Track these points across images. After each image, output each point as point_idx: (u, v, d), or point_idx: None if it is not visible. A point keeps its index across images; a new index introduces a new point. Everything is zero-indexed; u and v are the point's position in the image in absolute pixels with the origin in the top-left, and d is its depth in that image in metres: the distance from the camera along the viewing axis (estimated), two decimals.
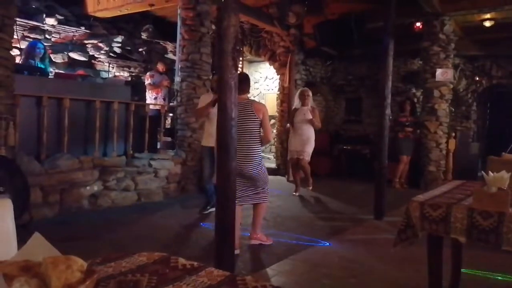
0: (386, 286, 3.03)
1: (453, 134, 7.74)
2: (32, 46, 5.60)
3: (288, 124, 6.70)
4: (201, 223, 4.62)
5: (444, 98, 7.29)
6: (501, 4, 6.36)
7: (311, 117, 6.23)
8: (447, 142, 7.37)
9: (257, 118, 3.63)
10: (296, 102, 6.55)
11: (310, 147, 6.33)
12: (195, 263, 1.19)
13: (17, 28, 5.87)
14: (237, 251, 3.49)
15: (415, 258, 3.19)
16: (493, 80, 9.16)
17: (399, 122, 7.41)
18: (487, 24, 7.13)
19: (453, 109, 8.71)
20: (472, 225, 2.05)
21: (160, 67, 7.58)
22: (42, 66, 5.45)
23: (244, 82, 3.71)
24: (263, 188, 3.79)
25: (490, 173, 2.14)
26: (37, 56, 5.45)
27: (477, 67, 9.28)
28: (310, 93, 6.44)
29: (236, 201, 3.60)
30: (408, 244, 2.32)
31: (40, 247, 0.99)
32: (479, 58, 9.16)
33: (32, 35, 7.10)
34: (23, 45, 6.82)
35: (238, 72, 3.85)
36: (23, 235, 1.01)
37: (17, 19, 5.53)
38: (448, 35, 7.17)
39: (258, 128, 3.67)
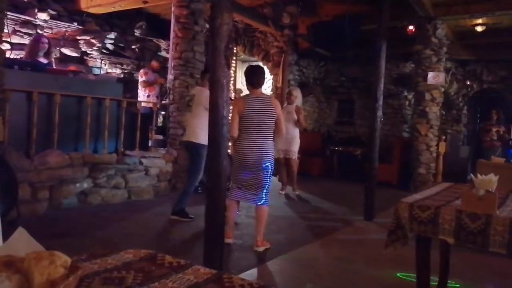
0: (375, 287, 3.05)
1: (444, 137, 7.80)
2: (37, 40, 5.51)
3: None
4: None
5: (435, 101, 7.34)
6: (493, 10, 6.42)
7: (295, 115, 6.31)
8: (437, 145, 7.43)
9: (276, 115, 3.69)
10: (285, 102, 6.67)
11: (296, 146, 6.42)
12: (182, 261, 1.18)
13: (8, 22, 5.80)
14: (230, 241, 3.63)
15: (403, 259, 3.21)
16: (484, 84, 9.25)
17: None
18: (479, 29, 7.20)
19: (444, 113, 8.78)
20: (460, 227, 2.06)
21: (155, 64, 7.53)
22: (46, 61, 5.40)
23: (261, 75, 3.76)
24: (265, 188, 3.70)
25: (479, 175, 2.16)
26: (42, 50, 5.38)
27: (468, 71, 9.37)
28: (296, 93, 6.49)
29: (235, 198, 3.65)
30: (399, 245, 2.33)
31: (23, 242, 0.97)
32: (470, 63, 9.26)
33: (23, 30, 7.00)
34: (14, 39, 6.75)
35: (255, 65, 3.92)
36: (11, 232, 0.99)
37: (8, 13, 5.45)
38: (440, 39, 7.22)
39: (274, 123, 3.70)
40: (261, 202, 3.69)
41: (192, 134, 4.55)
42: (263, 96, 3.76)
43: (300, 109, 6.44)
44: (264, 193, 3.69)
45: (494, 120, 7.52)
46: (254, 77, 3.71)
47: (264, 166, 3.63)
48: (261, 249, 3.67)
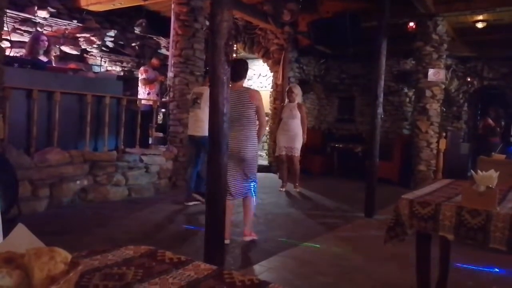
0: (375, 283, 3.05)
1: (444, 134, 7.80)
2: (36, 38, 5.50)
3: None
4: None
5: (436, 98, 7.33)
6: (494, 6, 6.40)
7: (297, 113, 6.35)
8: (437, 142, 7.42)
9: (253, 105, 3.67)
10: (286, 100, 6.69)
11: (299, 143, 6.43)
12: (182, 257, 1.18)
13: (8, 20, 5.80)
14: (227, 241, 3.57)
15: (403, 256, 3.21)
16: (485, 81, 9.24)
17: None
18: (480, 25, 7.18)
19: (444, 109, 8.77)
20: (461, 223, 2.06)
21: (155, 62, 7.51)
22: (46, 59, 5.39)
23: (242, 68, 3.75)
24: (252, 178, 3.74)
25: (479, 171, 2.16)
26: (41, 48, 5.37)
27: (469, 68, 9.35)
28: (296, 90, 6.52)
29: (229, 197, 3.63)
30: (398, 241, 2.33)
31: (23, 238, 0.97)
32: (471, 59, 9.23)
33: (23, 28, 6.99)
34: (14, 37, 6.74)
35: (238, 58, 3.87)
36: (11, 229, 0.99)
37: (8, 10, 5.45)
38: (441, 35, 7.20)
39: (254, 114, 3.69)
40: (248, 193, 3.74)
41: (206, 129, 4.82)
42: (241, 89, 3.72)
43: (302, 107, 6.48)
44: (250, 183, 3.72)
45: (492, 116, 7.62)
46: (234, 70, 3.68)
47: (246, 157, 3.64)
48: (248, 238, 3.78)
